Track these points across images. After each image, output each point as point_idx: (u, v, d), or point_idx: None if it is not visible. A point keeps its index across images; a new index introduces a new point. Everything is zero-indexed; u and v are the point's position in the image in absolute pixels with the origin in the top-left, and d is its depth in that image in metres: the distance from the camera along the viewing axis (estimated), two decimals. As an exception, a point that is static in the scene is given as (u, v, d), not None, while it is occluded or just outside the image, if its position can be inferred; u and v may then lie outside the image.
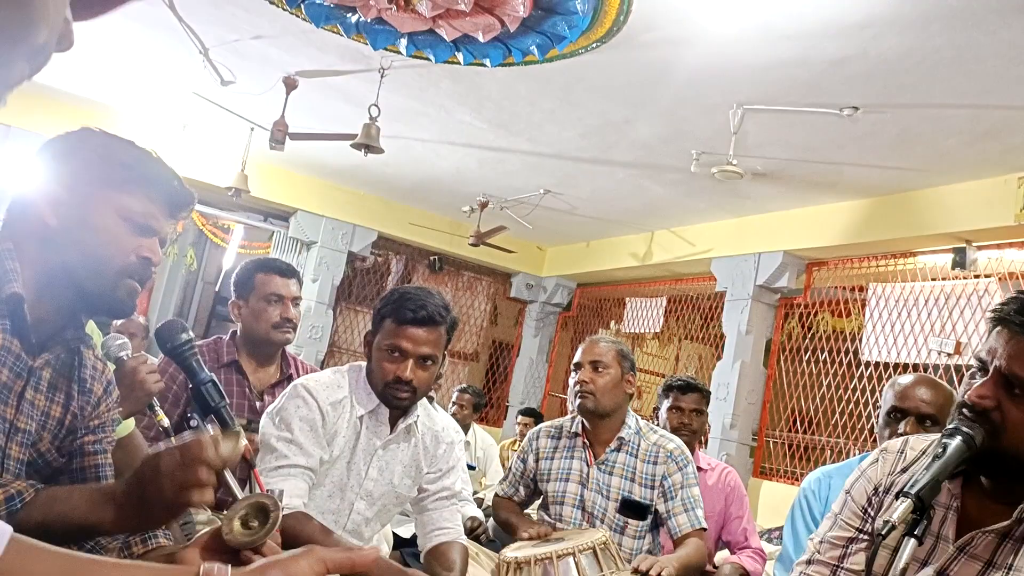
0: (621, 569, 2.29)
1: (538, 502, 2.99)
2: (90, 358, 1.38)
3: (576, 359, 2.82)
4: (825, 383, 6.14)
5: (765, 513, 6.09)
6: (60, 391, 1.32)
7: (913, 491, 1.25)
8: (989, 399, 1.32)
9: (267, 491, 1.32)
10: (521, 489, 2.94)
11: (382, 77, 4.85)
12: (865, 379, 5.82)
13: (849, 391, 5.92)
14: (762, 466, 6.54)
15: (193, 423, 1.33)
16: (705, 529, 2.71)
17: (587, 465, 2.79)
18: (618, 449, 2.77)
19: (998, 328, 1.34)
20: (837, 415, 5.98)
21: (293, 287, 2.80)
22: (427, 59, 4.41)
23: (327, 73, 5.09)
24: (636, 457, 2.75)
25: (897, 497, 1.28)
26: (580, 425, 2.83)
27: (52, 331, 1.29)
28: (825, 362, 6.23)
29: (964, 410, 1.35)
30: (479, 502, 4.37)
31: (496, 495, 3.00)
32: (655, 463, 2.74)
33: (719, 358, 6.68)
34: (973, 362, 1.38)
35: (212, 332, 11.73)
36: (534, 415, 6.96)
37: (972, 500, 1.40)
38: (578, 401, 2.75)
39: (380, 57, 4.65)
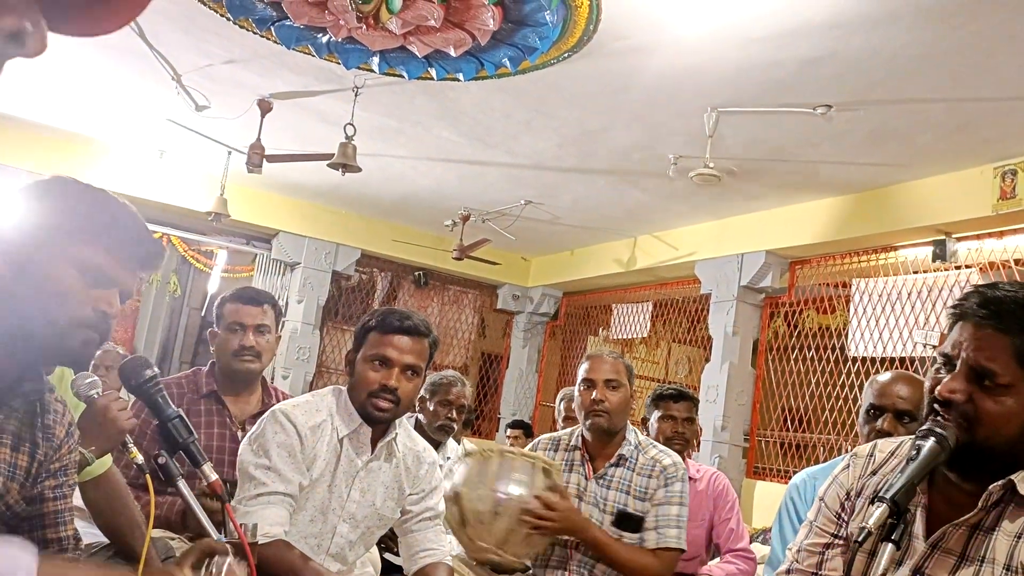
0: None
1: None
2: (51, 402, 1.36)
3: (587, 375, 2.80)
4: (814, 380, 6.15)
5: (760, 513, 6.09)
6: (25, 441, 1.30)
7: (888, 496, 1.25)
8: (960, 393, 1.32)
9: (240, 524, 1.30)
10: None
11: (356, 96, 4.85)
12: (853, 375, 5.83)
13: (838, 387, 5.93)
14: (755, 466, 6.54)
15: (161, 460, 1.32)
16: (673, 550, 2.69)
17: (585, 479, 2.79)
18: (617, 464, 2.78)
19: (961, 322, 1.35)
20: (827, 412, 6.00)
21: (256, 315, 2.76)
22: (400, 76, 4.41)
23: (301, 94, 5.08)
24: (634, 471, 2.76)
25: (872, 502, 1.28)
26: (580, 439, 2.83)
27: (8, 383, 1.27)
28: (813, 359, 6.24)
29: (936, 406, 1.35)
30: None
31: None
32: (650, 476, 2.75)
33: (708, 360, 6.68)
34: (937, 358, 1.38)
35: (200, 358, 11.66)
36: (523, 427, 6.94)
37: (939, 495, 1.40)
38: (591, 420, 2.75)
39: (353, 76, 4.65)
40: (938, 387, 1.35)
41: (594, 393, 2.74)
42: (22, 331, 1.23)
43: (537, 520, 2.51)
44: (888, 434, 2.19)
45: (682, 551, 2.71)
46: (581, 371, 2.84)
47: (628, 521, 2.72)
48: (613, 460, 2.76)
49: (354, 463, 2.14)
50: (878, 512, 1.24)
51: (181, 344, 11.81)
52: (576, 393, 2.85)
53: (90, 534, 1.90)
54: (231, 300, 2.80)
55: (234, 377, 2.74)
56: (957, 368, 1.34)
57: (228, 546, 1.15)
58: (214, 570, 1.14)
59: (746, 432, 6.48)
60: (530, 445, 2.97)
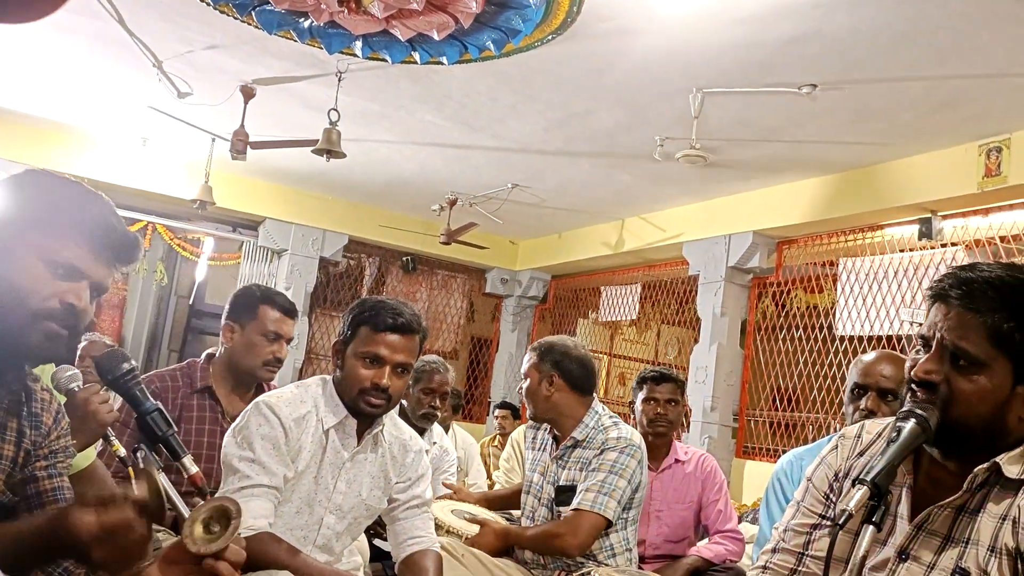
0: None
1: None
2: (37, 390, 1.36)
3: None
4: (802, 360, 6.18)
5: (751, 493, 6.13)
6: (11, 429, 1.30)
7: (869, 478, 1.25)
8: (935, 373, 1.33)
9: None
10: (519, 475, 3.04)
11: (340, 81, 4.81)
12: (841, 354, 5.85)
13: (826, 366, 5.96)
14: (745, 446, 6.57)
15: (141, 453, 1.31)
16: (586, 512, 2.66)
17: (550, 458, 2.88)
18: (574, 446, 2.82)
19: (937, 303, 1.35)
20: (815, 391, 6.03)
21: (292, 328, 2.76)
22: (384, 60, 4.37)
23: (284, 80, 5.04)
24: (591, 449, 2.79)
25: (854, 484, 1.28)
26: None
27: None
28: (801, 339, 6.26)
29: (913, 386, 1.36)
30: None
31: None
32: (598, 450, 2.78)
33: (697, 341, 6.70)
34: (916, 340, 1.39)
35: (189, 346, 11.63)
36: (510, 408, 6.96)
37: (925, 476, 1.41)
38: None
39: (336, 61, 4.61)
40: (914, 368, 1.35)
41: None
42: None
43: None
44: (872, 412, 2.23)
45: (603, 517, 2.65)
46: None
47: (566, 494, 2.78)
48: (568, 443, 2.82)
49: (340, 454, 2.13)
50: (859, 494, 1.24)
51: (169, 333, 11.78)
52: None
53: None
54: (269, 304, 2.72)
55: (245, 379, 2.69)
56: (932, 349, 1.34)
57: (239, 504, 1.13)
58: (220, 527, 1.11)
59: (735, 412, 6.51)
60: (517, 429, 3.03)
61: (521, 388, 2.92)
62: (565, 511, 2.73)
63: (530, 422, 3.03)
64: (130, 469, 1.41)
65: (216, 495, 1.18)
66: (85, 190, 1.33)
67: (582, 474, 2.75)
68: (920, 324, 5.34)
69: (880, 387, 2.28)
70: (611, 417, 2.87)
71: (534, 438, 3.00)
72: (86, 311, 1.28)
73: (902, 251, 5.59)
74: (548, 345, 2.89)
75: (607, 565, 2.68)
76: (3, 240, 1.24)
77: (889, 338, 5.54)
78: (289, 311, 2.76)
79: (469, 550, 2.69)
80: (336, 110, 4.84)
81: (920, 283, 5.41)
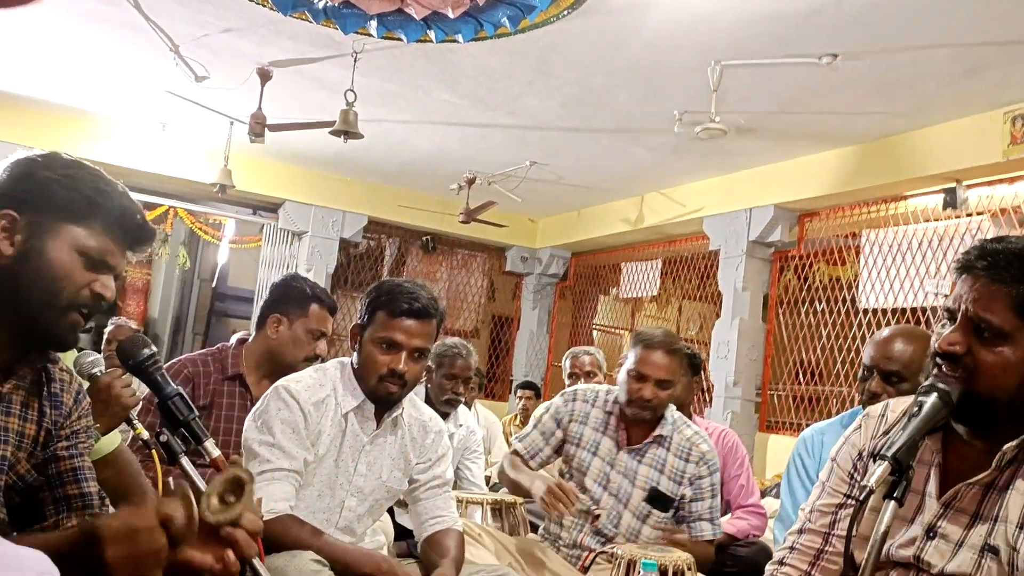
0: None
1: (555, 467, 2.99)
2: (56, 372, 1.38)
3: (637, 367, 2.69)
4: (825, 333, 6.13)
5: (774, 467, 6.11)
6: (32, 409, 1.32)
7: (889, 453, 1.25)
8: (959, 345, 1.32)
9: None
10: (547, 449, 2.86)
11: (355, 62, 4.79)
12: (864, 327, 5.81)
13: (849, 339, 5.91)
14: (768, 420, 6.55)
15: (163, 438, 1.33)
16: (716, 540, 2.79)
17: (617, 447, 2.77)
18: (655, 443, 2.77)
19: (963, 276, 1.34)
20: (839, 364, 5.98)
21: (331, 325, 2.79)
22: (399, 39, 4.35)
23: (300, 61, 5.03)
24: (668, 451, 2.76)
25: (874, 460, 1.28)
26: (616, 406, 2.80)
27: (15, 357, 1.29)
28: (824, 312, 6.22)
29: (937, 359, 1.34)
30: (486, 480, 4.37)
31: (514, 452, 2.88)
32: (687, 460, 2.76)
33: (719, 316, 6.67)
34: (942, 313, 1.37)
35: (213, 329, 11.74)
36: (533, 388, 6.97)
37: (954, 454, 1.39)
38: (634, 410, 2.71)
39: (352, 41, 4.60)
40: (938, 341, 1.34)
41: (645, 391, 2.67)
42: (22, 312, 1.25)
43: None
44: (876, 395, 2.14)
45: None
46: (632, 357, 2.72)
47: (660, 500, 2.73)
48: (651, 439, 2.75)
49: (359, 438, 2.14)
50: (879, 470, 1.23)
51: (193, 316, 11.90)
52: (623, 376, 2.73)
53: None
54: (320, 304, 2.73)
55: (282, 370, 2.64)
56: (958, 321, 1.33)
57: (254, 475, 1.14)
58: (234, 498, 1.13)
59: (758, 387, 6.49)
60: (567, 394, 2.88)
61: (647, 397, 2.67)
62: (659, 517, 2.73)
63: (586, 396, 2.85)
64: (153, 451, 1.42)
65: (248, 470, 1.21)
66: (105, 177, 1.34)
67: (678, 486, 2.74)
68: (945, 296, 5.30)
69: (884, 369, 2.17)
70: (672, 411, 2.84)
71: (587, 415, 2.81)
72: (110, 301, 1.31)
73: (926, 221, 5.52)
74: (685, 348, 2.85)
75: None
76: (38, 226, 1.26)
77: (914, 310, 5.49)
78: (333, 309, 2.80)
79: (487, 530, 2.70)
80: (352, 91, 4.83)
81: (945, 254, 5.35)
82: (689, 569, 2.32)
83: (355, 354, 2.17)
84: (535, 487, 2.53)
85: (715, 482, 2.78)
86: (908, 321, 5.59)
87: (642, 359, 2.68)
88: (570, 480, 2.79)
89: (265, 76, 5.21)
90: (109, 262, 1.31)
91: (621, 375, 2.76)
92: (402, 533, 3.03)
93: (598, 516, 2.73)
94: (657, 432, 2.76)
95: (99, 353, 2.14)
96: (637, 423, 2.76)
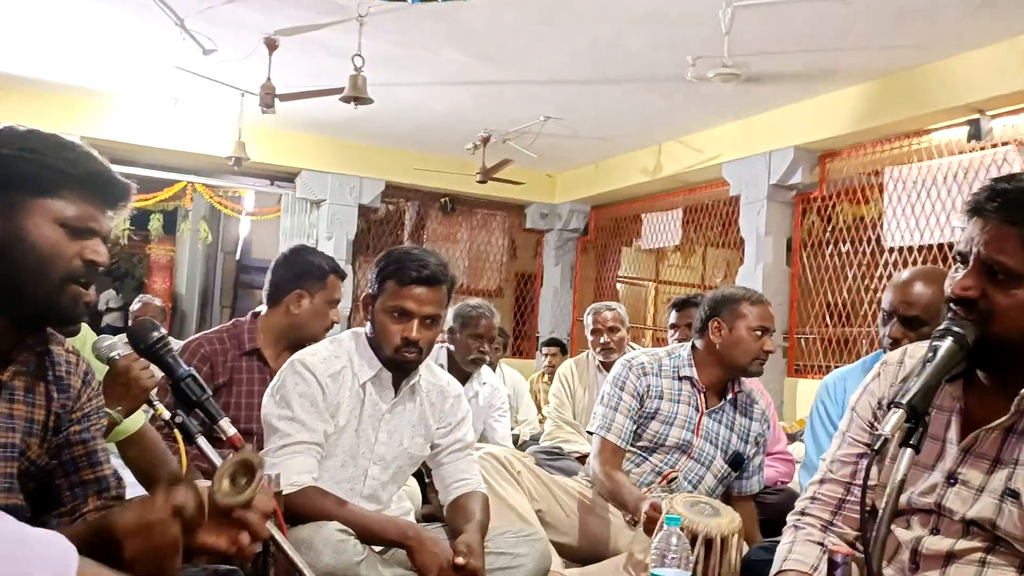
0: None
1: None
2: (61, 353, 1.36)
3: (764, 323, 2.64)
4: (851, 274, 6.07)
5: (804, 412, 6.09)
6: (38, 394, 1.31)
7: (904, 400, 1.23)
8: (973, 289, 1.29)
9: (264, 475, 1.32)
10: (632, 427, 2.71)
11: (361, 26, 4.74)
12: (891, 265, 5.73)
13: (876, 279, 5.84)
14: (796, 364, 6.52)
15: (178, 419, 1.33)
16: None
17: (697, 412, 2.70)
18: (731, 402, 2.74)
19: (974, 218, 1.30)
20: (867, 304, 5.93)
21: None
22: (403, 0, 4.30)
23: (306, 29, 4.98)
24: (735, 409, 2.75)
25: (890, 407, 1.26)
26: (691, 368, 2.72)
27: (12, 343, 1.27)
28: (849, 253, 6.15)
29: (951, 304, 1.31)
30: (515, 438, 4.41)
31: (605, 442, 2.68)
32: (751, 418, 2.76)
33: (743, 262, 6.61)
34: (954, 257, 1.34)
35: (239, 302, 11.86)
36: (559, 345, 6.98)
37: (974, 400, 1.37)
38: (755, 367, 2.65)
39: (356, 4, 4.55)
40: (952, 285, 1.31)
41: (767, 344, 2.64)
42: (15, 294, 1.23)
43: None
44: (897, 341, 2.10)
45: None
46: (755, 313, 2.64)
47: (738, 462, 2.72)
48: (729, 396, 2.73)
49: (378, 407, 2.15)
50: (895, 418, 1.22)
51: (220, 289, 12.03)
52: (742, 332, 2.63)
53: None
54: (336, 274, 2.77)
55: (302, 344, 2.60)
56: (970, 264, 1.30)
57: (263, 459, 1.16)
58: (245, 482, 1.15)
59: (785, 331, 6.44)
60: (627, 367, 2.75)
61: (768, 349, 2.64)
62: (733, 476, 2.73)
63: (653, 368, 2.74)
64: (175, 431, 1.43)
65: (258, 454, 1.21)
66: (65, 142, 1.29)
67: (746, 445, 2.73)
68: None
69: (903, 314, 2.12)
70: None
71: (662, 387, 2.71)
72: (104, 265, 1.27)
73: (950, 155, 5.41)
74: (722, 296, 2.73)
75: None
76: (12, 207, 1.22)
77: (940, 246, 5.41)
78: (343, 276, 2.85)
79: (527, 465, 2.72)
80: (360, 56, 4.79)
81: (971, 187, 5.24)
82: (733, 535, 2.20)
83: (368, 324, 2.17)
84: (642, 506, 2.32)
85: (769, 437, 2.79)
86: (935, 258, 5.51)
87: (762, 314, 2.65)
88: (649, 451, 2.72)
89: (272, 46, 5.18)
90: (92, 227, 1.27)
91: (738, 335, 2.64)
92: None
93: (674, 478, 2.68)
94: (737, 390, 2.74)
95: (122, 334, 2.15)
96: (716, 387, 2.73)
